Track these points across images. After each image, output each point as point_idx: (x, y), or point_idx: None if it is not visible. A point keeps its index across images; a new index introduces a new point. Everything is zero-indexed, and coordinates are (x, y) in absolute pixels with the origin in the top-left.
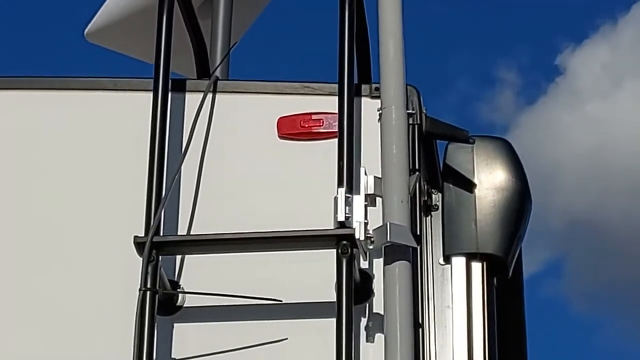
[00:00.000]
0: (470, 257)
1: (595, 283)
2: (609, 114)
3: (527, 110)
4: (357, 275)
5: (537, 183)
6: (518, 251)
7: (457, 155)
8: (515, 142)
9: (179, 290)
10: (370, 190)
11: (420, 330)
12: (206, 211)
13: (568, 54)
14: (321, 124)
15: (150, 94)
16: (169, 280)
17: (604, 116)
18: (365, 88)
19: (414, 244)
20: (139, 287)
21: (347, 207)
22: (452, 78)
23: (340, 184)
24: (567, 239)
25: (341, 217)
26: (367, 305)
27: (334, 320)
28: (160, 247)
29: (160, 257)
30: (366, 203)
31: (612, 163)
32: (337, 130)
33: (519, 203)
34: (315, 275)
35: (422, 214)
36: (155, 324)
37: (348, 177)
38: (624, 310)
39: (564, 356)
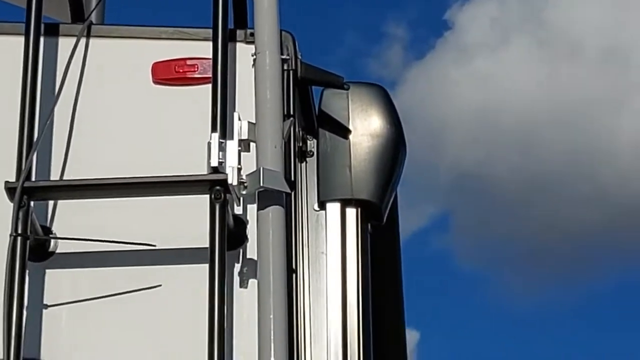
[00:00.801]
0: (345, 203)
1: (481, 238)
2: (497, 70)
3: (416, 65)
4: (230, 220)
5: (426, 138)
6: (392, 197)
7: (332, 102)
8: (404, 97)
9: (50, 236)
10: (244, 136)
11: (294, 276)
12: (79, 156)
13: (457, 9)
14: (196, 69)
15: (22, 38)
16: (41, 225)
17: (491, 71)
18: (240, 33)
19: (288, 190)
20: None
21: (220, 153)
22: (340, 33)
23: (213, 129)
24: (455, 193)
25: (214, 163)
26: (241, 251)
27: (207, 266)
28: (32, 192)
29: (32, 202)
30: (240, 148)
31: (500, 118)
32: (211, 75)
33: (393, 150)
34: (189, 221)
35: (297, 159)
36: (27, 270)
37: (222, 123)
38: (510, 266)
39: (449, 312)
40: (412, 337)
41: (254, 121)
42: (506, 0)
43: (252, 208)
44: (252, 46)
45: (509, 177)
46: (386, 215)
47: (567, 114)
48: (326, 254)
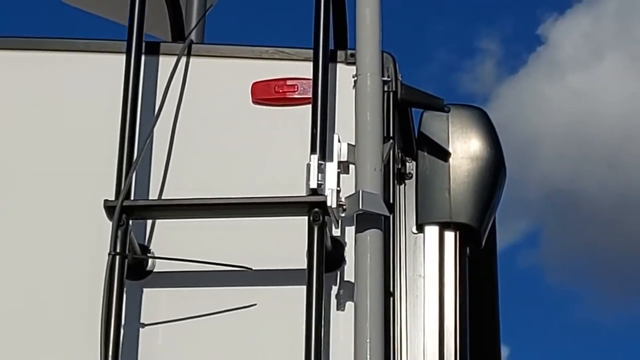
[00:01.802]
0: (444, 226)
1: (571, 254)
2: (589, 86)
3: (508, 80)
4: (328, 242)
5: (517, 153)
6: (491, 221)
7: (432, 124)
8: (496, 113)
9: (148, 255)
10: (344, 158)
11: (392, 299)
12: (178, 176)
13: (550, 24)
14: (295, 89)
15: (124, 56)
16: (139, 244)
17: (584, 87)
18: (340, 54)
19: (387, 213)
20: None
21: (319, 174)
22: (433, 48)
23: (313, 151)
24: (545, 209)
25: (313, 184)
26: (338, 273)
27: (304, 287)
28: (131, 211)
29: (130, 221)
30: (339, 170)
31: (590, 134)
32: (311, 96)
33: (493, 173)
34: (286, 242)
35: (396, 182)
36: (125, 289)
37: (321, 144)
38: (600, 281)
39: (539, 327)
40: (503, 352)
41: (353, 143)
42: (600, 15)
43: (350, 230)
44: (353, 67)
45: (599, 192)
46: (485, 238)
47: None
48: (424, 277)
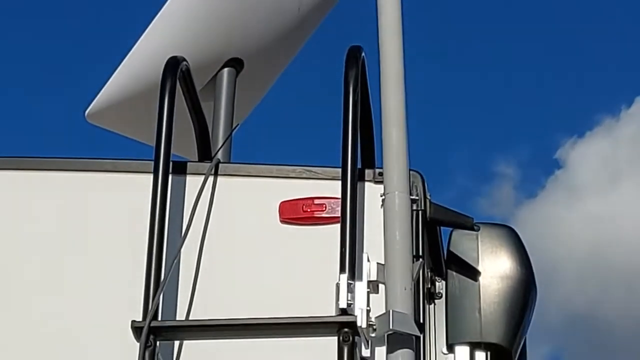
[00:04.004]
0: (474, 346)
1: None
2: (608, 210)
3: (527, 204)
4: None
5: (538, 276)
6: (522, 341)
7: (461, 242)
8: None
9: None
10: (373, 277)
11: None
12: (206, 296)
13: (568, 147)
14: (324, 208)
15: (151, 176)
16: None
17: (603, 212)
18: (368, 173)
19: (417, 333)
20: None
21: (349, 294)
22: (451, 173)
23: (342, 270)
24: (566, 334)
25: (343, 304)
26: None
27: None
28: (158, 332)
29: (157, 342)
30: (368, 290)
31: (610, 260)
32: (339, 215)
33: (523, 292)
34: None
35: (426, 301)
36: None
37: (350, 264)
38: None
39: None
40: None
41: (382, 262)
42: (618, 138)
43: (380, 350)
44: (381, 186)
45: (620, 317)
46: (516, 359)
47: None
48: None
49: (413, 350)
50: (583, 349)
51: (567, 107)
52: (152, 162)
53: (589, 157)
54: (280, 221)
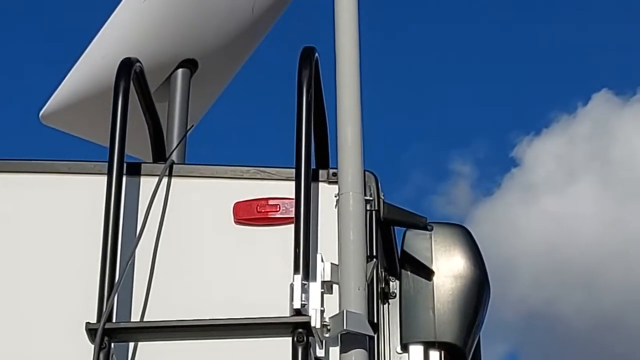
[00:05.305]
0: (428, 345)
1: None
2: (565, 208)
3: (483, 202)
4: None
5: (494, 275)
6: (476, 340)
7: (415, 242)
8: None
9: None
10: (327, 277)
11: None
12: (160, 297)
13: (525, 145)
14: (278, 209)
15: (105, 177)
16: None
17: (559, 210)
18: (322, 173)
19: (371, 333)
20: None
21: (303, 294)
22: (407, 171)
23: (296, 271)
24: (523, 331)
25: (297, 305)
26: None
27: None
28: (113, 333)
29: (112, 344)
30: (322, 290)
31: (567, 257)
32: (293, 215)
33: (477, 291)
34: None
35: (380, 301)
36: None
37: (304, 264)
38: None
39: None
40: None
41: (336, 262)
42: (574, 136)
43: (334, 350)
44: (335, 186)
45: (576, 315)
46: (470, 358)
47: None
48: None
49: (367, 350)
50: (540, 347)
51: (523, 104)
52: (107, 164)
53: (545, 155)
54: (235, 222)
